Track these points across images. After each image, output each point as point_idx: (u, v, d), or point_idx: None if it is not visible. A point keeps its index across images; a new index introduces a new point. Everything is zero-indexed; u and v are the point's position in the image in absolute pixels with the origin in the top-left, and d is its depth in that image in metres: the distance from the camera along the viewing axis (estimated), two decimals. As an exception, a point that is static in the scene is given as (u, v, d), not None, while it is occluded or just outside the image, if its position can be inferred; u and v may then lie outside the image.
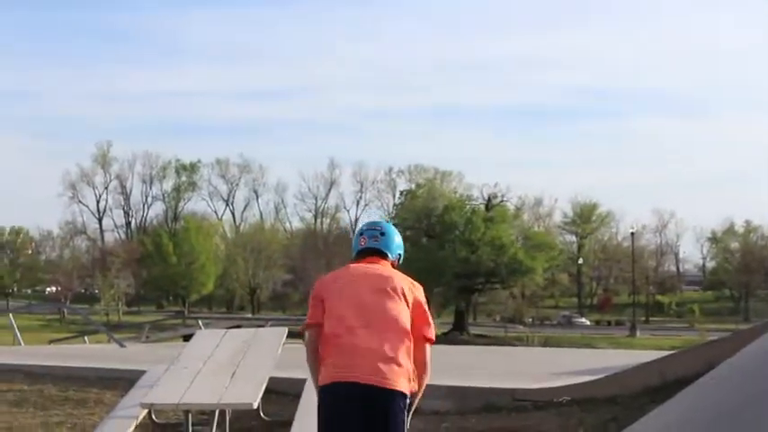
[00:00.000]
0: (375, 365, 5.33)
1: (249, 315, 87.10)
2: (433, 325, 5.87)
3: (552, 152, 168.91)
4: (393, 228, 6.17)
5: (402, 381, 5.38)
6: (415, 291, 5.78)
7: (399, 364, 5.39)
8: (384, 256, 5.88)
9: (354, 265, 5.86)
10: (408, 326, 5.57)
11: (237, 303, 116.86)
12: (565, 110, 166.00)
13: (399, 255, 6.03)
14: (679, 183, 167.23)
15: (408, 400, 5.44)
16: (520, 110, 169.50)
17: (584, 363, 14.05)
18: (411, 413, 5.54)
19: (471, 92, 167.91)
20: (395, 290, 5.62)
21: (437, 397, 9.97)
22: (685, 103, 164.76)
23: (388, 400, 5.30)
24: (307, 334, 5.86)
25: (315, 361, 5.60)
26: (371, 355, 5.36)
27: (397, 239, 6.02)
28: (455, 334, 75.42)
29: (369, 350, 5.37)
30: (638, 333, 77.89)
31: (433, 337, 5.84)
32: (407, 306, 5.62)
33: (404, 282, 5.71)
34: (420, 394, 5.63)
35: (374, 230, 6.00)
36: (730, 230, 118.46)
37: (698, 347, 10.12)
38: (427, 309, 5.83)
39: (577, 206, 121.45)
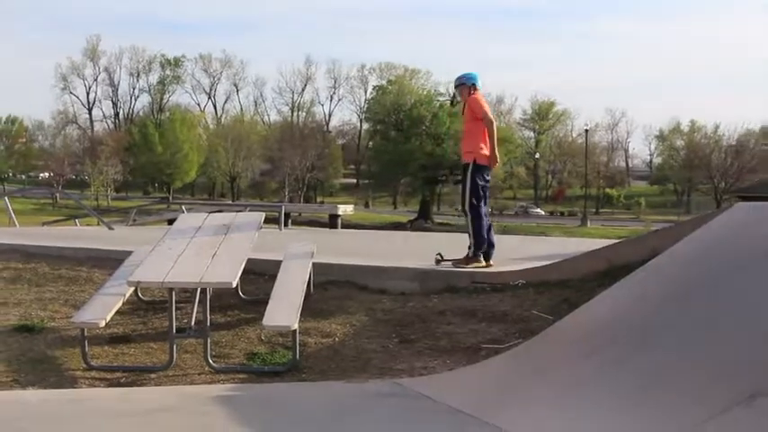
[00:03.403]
0: (462, 152, 10.81)
1: (229, 201, 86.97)
2: (482, 111, 10.72)
3: (516, 51, 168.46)
4: (473, 74, 10.99)
5: (470, 156, 10.54)
6: (473, 102, 10.71)
7: (469, 149, 10.59)
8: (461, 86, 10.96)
9: None
10: (474, 123, 10.64)
11: (218, 191, 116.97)
12: (534, 10, 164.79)
13: (473, 84, 10.83)
14: (630, 84, 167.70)
15: (473, 164, 10.51)
16: (490, 9, 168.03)
17: (538, 249, 14.13)
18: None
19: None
20: (469, 108, 10.73)
21: (403, 279, 10.05)
22: (646, 6, 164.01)
23: (467, 166, 10.58)
24: None
25: None
26: (462, 149, 10.88)
27: (471, 76, 10.93)
28: (420, 222, 75.82)
29: (462, 147, 10.92)
30: (588, 223, 78.67)
31: (483, 117, 10.67)
32: (471, 113, 10.68)
33: (470, 102, 10.72)
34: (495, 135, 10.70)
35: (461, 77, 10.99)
36: (676, 129, 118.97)
37: (643, 236, 10.19)
38: (479, 106, 10.71)
39: (536, 104, 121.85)
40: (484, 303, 8.97)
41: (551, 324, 7.65)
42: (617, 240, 12.09)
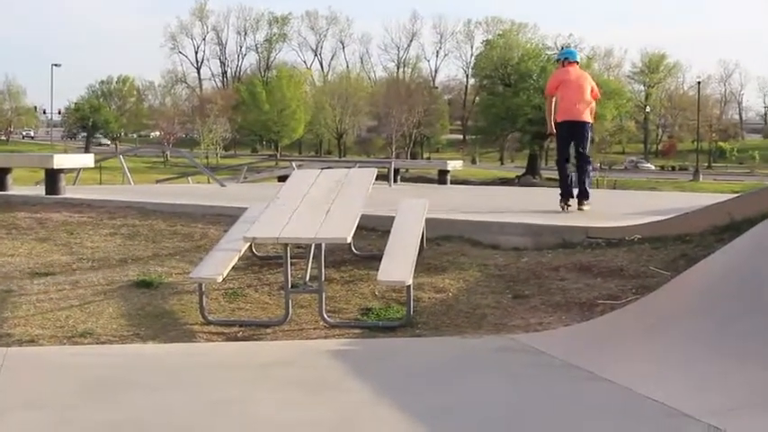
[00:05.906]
0: None
1: (336, 158, 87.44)
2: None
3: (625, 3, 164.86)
4: (565, 51, 13.80)
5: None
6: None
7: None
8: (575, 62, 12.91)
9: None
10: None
11: (325, 147, 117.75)
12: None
13: (563, 59, 12.79)
14: (744, 35, 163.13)
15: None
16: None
17: (651, 204, 13.91)
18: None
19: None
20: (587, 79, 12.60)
21: (516, 234, 9.96)
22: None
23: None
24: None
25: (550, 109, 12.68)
26: None
27: (562, 52, 14.13)
28: (528, 177, 75.27)
29: None
30: (700, 177, 77.05)
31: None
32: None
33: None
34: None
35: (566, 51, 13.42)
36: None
37: (764, 189, 9.90)
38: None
39: (646, 57, 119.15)
40: (599, 259, 8.85)
41: (668, 280, 7.53)
42: (733, 195, 11.80)
